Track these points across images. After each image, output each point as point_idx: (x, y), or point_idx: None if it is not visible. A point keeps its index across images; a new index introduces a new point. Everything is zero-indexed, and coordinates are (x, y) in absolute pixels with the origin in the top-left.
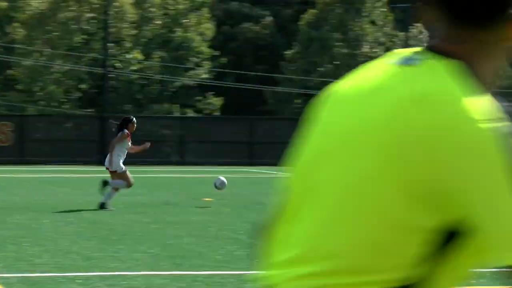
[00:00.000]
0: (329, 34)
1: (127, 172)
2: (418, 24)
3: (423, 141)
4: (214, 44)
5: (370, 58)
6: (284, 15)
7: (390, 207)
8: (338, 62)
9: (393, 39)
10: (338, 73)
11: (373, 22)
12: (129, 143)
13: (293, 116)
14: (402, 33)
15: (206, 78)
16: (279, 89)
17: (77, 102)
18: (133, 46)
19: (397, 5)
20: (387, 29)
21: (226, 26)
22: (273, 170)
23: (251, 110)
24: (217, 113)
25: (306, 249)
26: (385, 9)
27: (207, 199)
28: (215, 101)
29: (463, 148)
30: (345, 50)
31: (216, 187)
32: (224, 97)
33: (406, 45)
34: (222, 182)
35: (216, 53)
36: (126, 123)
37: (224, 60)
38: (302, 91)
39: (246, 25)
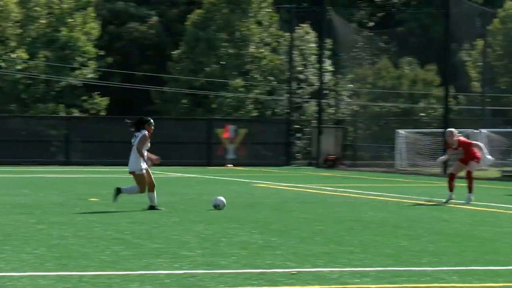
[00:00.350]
0: (215, 34)
1: (146, 175)
2: (304, 25)
3: None
4: (99, 43)
5: (256, 58)
6: (170, 15)
7: None
8: (224, 63)
9: (278, 40)
10: (224, 73)
11: (259, 23)
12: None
13: (180, 116)
14: (288, 34)
15: (92, 78)
16: (165, 89)
17: None
18: (18, 45)
19: (283, 5)
20: (273, 30)
21: (112, 26)
22: (157, 169)
23: (138, 110)
24: (103, 113)
25: None
26: (271, 10)
27: (92, 199)
28: (101, 101)
29: None
30: (231, 50)
31: (215, 207)
32: (110, 97)
33: (291, 45)
34: (222, 205)
35: (102, 52)
36: (143, 124)
37: (110, 59)
38: (189, 91)
39: (132, 24)
